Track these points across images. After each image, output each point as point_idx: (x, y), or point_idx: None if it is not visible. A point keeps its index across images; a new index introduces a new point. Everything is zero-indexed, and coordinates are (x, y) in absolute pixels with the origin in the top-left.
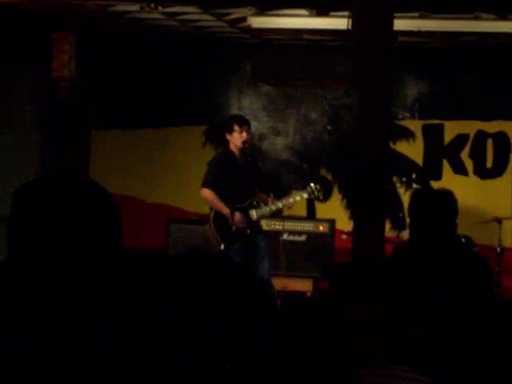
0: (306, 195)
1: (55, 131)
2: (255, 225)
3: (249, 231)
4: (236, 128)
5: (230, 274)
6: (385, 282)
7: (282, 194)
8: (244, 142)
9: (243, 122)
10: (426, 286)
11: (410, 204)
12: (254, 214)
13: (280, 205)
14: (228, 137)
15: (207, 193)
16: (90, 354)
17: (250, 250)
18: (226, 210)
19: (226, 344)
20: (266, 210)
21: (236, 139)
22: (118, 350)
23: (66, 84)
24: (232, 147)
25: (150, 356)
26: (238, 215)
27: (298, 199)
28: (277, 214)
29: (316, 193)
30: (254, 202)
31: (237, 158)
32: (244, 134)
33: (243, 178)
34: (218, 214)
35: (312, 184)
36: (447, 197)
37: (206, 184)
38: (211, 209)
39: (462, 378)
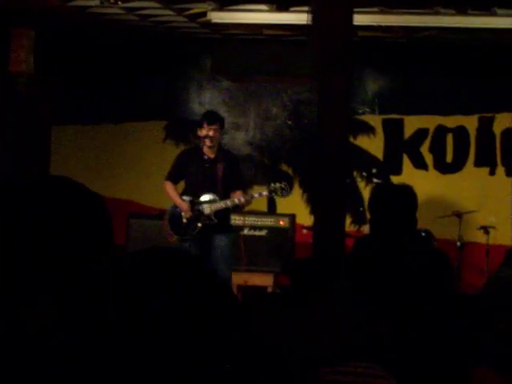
0: (265, 193)
1: (14, 127)
2: (209, 220)
3: (200, 224)
4: (202, 124)
5: (189, 268)
6: (346, 279)
7: (242, 189)
8: (207, 139)
9: (208, 121)
10: (387, 281)
11: (370, 199)
12: (206, 208)
13: (236, 201)
14: (198, 133)
15: (166, 185)
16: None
17: (205, 247)
18: (178, 201)
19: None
20: (218, 205)
21: (200, 134)
22: (112, 351)
23: (23, 79)
24: (201, 143)
25: (145, 356)
26: (185, 204)
27: (256, 196)
28: (238, 210)
29: (279, 192)
30: (210, 197)
31: (203, 154)
32: (204, 132)
33: (206, 172)
34: (174, 207)
35: (276, 183)
36: (406, 191)
37: (166, 177)
38: None
39: (427, 374)
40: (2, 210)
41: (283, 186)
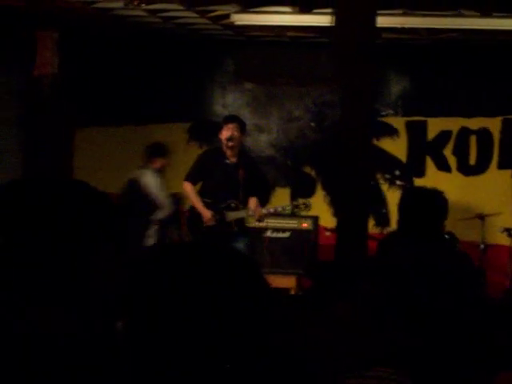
0: (288, 208)
1: (39, 129)
2: (230, 226)
3: (219, 231)
4: (222, 126)
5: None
6: (369, 282)
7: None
8: (227, 139)
9: (227, 120)
10: (413, 285)
11: (401, 202)
12: (229, 215)
13: (257, 213)
14: (219, 136)
15: (186, 186)
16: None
17: None
18: (199, 205)
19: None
20: (241, 213)
21: (221, 136)
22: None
23: (48, 81)
24: (223, 146)
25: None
26: (208, 212)
27: (279, 210)
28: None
29: (302, 207)
30: (233, 204)
31: (226, 157)
32: (224, 132)
33: (228, 177)
34: (193, 210)
35: (299, 201)
36: (438, 198)
37: (186, 177)
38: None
39: (452, 378)
40: (9, 207)
41: (307, 202)
